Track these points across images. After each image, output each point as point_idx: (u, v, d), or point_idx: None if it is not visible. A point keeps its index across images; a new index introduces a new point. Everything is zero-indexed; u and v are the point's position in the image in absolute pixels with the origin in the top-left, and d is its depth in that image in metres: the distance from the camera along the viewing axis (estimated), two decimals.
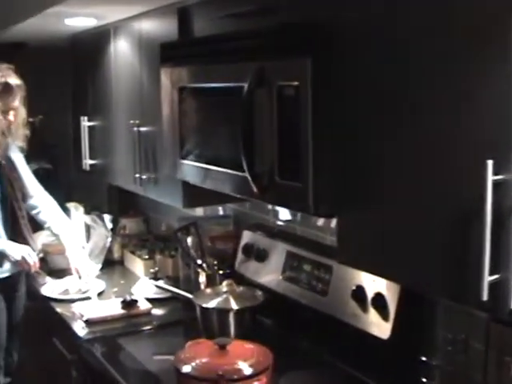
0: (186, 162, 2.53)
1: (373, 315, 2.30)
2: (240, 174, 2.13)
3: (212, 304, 2.67)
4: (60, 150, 4.57)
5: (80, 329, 2.95)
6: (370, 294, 2.30)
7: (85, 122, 3.72)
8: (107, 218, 3.94)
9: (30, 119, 4.47)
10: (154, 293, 3.25)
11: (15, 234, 3.32)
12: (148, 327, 2.96)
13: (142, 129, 3.07)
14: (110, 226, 3.92)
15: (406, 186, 1.62)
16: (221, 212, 3.41)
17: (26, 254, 3.20)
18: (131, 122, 3.14)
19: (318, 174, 1.87)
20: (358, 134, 1.76)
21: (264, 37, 2.02)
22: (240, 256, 3.01)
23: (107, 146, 3.59)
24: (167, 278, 3.44)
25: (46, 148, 4.61)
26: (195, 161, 2.47)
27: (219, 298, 2.70)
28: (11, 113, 3.25)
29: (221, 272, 3.01)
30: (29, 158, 4.38)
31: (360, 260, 1.82)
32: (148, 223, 4.21)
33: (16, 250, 3.19)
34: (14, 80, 3.22)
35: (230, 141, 2.21)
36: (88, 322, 2.98)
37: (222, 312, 2.65)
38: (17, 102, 3.25)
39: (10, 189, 3.32)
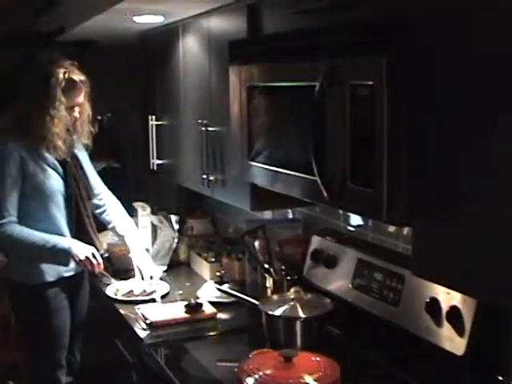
0: (254, 163, 2.44)
1: (447, 330, 2.16)
2: (310, 177, 2.03)
3: (278, 311, 2.57)
4: (128, 149, 4.55)
5: (143, 332, 2.90)
6: (444, 307, 2.16)
7: (152, 121, 3.67)
8: (174, 218, 3.88)
9: (98, 117, 4.48)
10: (219, 297, 3.17)
11: (80, 233, 3.27)
12: (212, 333, 2.87)
13: (210, 129, 3.00)
14: (176, 226, 3.87)
15: (488, 194, 1.49)
16: (290, 215, 3.31)
17: (90, 254, 3.12)
18: (199, 121, 3.06)
19: (392, 179, 1.75)
20: (436, 138, 1.63)
21: (336, 34, 1.91)
22: (308, 262, 2.91)
23: (175, 146, 3.53)
24: (233, 281, 3.36)
25: (114, 146, 4.61)
26: (264, 163, 2.37)
27: (286, 305, 2.60)
28: (76, 109, 3.18)
29: (288, 278, 2.91)
30: (96, 157, 4.37)
31: (436, 273, 1.70)
32: (215, 224, 4.14)
33: (81, 250, 3.11)
34: (78, 75, 3.14)
35: (300, 143, 2.11)
36: (151, 325, 2.92)
37: (289, 320, 2.55)
38: (81, 97, 3.18)
39: (75, 187, 3.26)
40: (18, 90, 3.19)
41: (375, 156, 1.76)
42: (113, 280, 3.51)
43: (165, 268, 3.77)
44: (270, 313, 2.57)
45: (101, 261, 3.16)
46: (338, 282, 2.71)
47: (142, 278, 3.32)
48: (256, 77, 2.39)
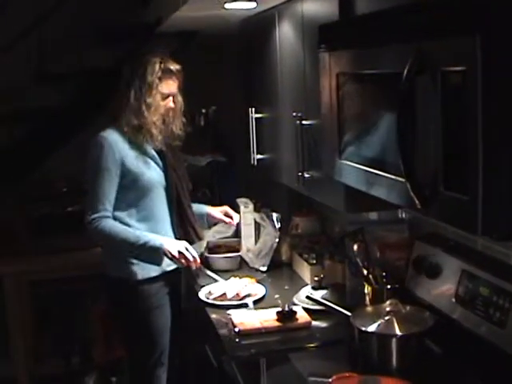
0: (344, 161, 2.19)
1: None
2: (400, 179, 1.76)
3: (372, 327, 2.31)
4: (234, 143, 4.38)
5: (230, 340, 2.70)
6: None
7: (252, 114, 3.47)
8: (275, 216, 3.67)
9: (203, 110, 4.37)
10: (315, 303, 2.92)
11: (182, 224, 3.23)
12: (304, 345, 2.62)
13: (305, 122, 2.76)
14: (278, 225, 3.65)
15: None
16: (398, 215, 3.00)
17: (183, 248, 3.00)
18: (294, 114, 2.83)
19: (490, 184, 1.46)
20: None
21: (424, 12, 1.62)
22: (411, 269, 2.61)
23: (273, 140, 3.31)
24: (334, 286, 3.09)
25: (220, 140, 4.45)
26: (353, 161, 2.12)
27: (381, 319, 2.33)
28: (170, 99, 3.15)
29: (388, 286, 2.63)
30: (202, 150, 4.26)
31: None
32: (322, 223, 3.88)
33: (173, 245, 3.00)
34: (174, 65, 3.12)
35: (388, 139, 1.84)
36: (239, 334, 2.72)
37: (384, 338, 2.28)
38: (176, 87, 3.15)
39: (176, 177, 3.22)
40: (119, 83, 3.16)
41: (468, 156, 1.48)
42: (213, 275, 3.37)
43: (265, 268, 3.57)
44: (363, 328, 2.31)
45: (196, 255, 3.04)
46: (441, 294, 2.40)
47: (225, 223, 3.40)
48: (344, 63, 2.13)
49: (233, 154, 4.43)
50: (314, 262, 3.36)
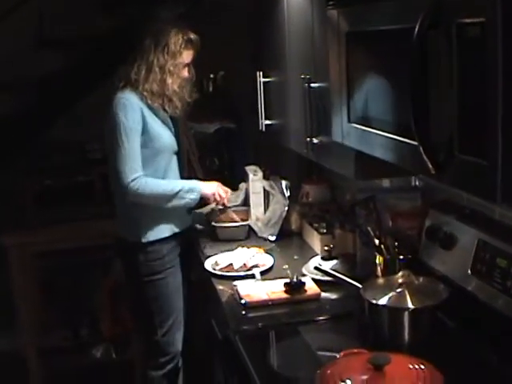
0: (353, 125, 2.06)
1: None
2: (413, 143, 1.64)
3: (383, 300, 2.20)
4: (242, 109, 4.25)
5: (236, 313, 2.60)
6: None
7: (260, 78, 3.33)
8: (284, 184, 3.55)
9: (211, 75, 4.24)
10: (324, 274, 2.81)
11: None
12: (313, 317, 2.52)
13: (313, 85, 2.62)
14: (287, 193, 3.53)
15: None
16: (412, 183, 2.87)
17: (217, 188, 3.28)
18: (302, 76, 2.69)
19: (510, 147, 1.33)
20: None
21: None
22: (424, 239, 2.49)
23: (282, 105, 3.18)
24: (344, 256, 2.97)
25: (228, 106, 4.32)
26: (363, 124, 1.99)
27: (393, 291, 2.22)
28: (187, 68, 3.21)
29: (401, 257, 2.51)
30: (211, 117, 4.15)
31: None
32: (333, 191, 3.75)
33: (208, 185, 3.25)
34: (194, 35, 3.19)
35: (400, 100, 1.72)
36: (246, 306, 2.62)
37: (395, 311, 2.17)
38: (193, 57, 3.22)
39: (187, 143, 3.38)
40: (132, 45, 3.19)
41: (488, 116, 1.35)
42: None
43: (273, 238, 3.46)
44: (373, 301, 2.20)
45: (228, 191, 3.36)
46: (456, 266, 2.28)
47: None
48: (353, 21, 2.00)
49: (241, 121, 4.30)
50: (324, 231, 3.24)
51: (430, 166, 1.57)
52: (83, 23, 4.15)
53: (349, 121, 2.10)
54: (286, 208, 3.48)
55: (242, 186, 3.88)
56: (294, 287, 2.67)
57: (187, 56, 3.17)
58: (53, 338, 4.31)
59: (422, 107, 1.55)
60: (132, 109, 3.05)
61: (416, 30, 1.51)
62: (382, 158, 1.90)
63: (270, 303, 2.63)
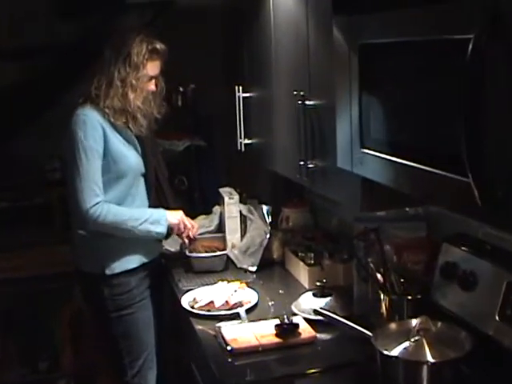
0: (369, 152, 1.78)
1: None
2: (455, 176, 1.36)
3: (397, 350, 1.91)
4: (215, 125, 3.94)
5: (221, 361, 2.29)
6: None
7: (239, 93, 3.03)
8: (265, 208, 3.25)
9: (180, 88, 3.93)
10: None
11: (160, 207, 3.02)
12: (310, 367, 2.21)
13: (309, 102, 2.33)
14: (268, 219, 3.24)
15: None
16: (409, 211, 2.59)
17: (181, 217, 2.98)
18: (295, 93, 2.40)
19: None
20: None
21: None
22: (437, 278, 2.20)
23: (266, 123, 2.89)
24: (337, 291, 2.68)
25: (199, 122, 4.01)
26: (382, 151, 1.71)
27: (408, 341, 1.93)
28: (153, 81, 2.90)
29: (409, 297, 2.23)
30: (179, 133, 3.87)
31: None
32: (315, 215, 3.47)
33: (172, 214, 2.96)
34: (160, 45, 2.88)
35: (441, 125, 1.44)
36: (232, 353, 2.30)
37: (412, 365, 1.88)
38: (159, 68, 2.89)
39: (156, 163, 3.07)
40: (95, 56, 2.90)
41: None
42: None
43: (254, 268, 3.15)
44: (387, 353, 1.91)
45: (193, 222, 3.05)
46: (479, 310, 1.99)
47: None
48: (371, 30, 1.72)
49: (213, 139, 4.00)
50: (312, 262, 2.95)
51: (482, 204, 1.29)
52: (42, 33, 3.82)
53: (362, 146, 1.81)
54: (268, 235, 3.17)
55: (216, 209, 3.58)
56: (287, 330, 2.37)
57: (152, 68, 2.85)
58: (9, 373, 3.99)
59: (477, 134, 1.27)
60: (92, 127, 2.76)
61: (471, 42, 1.23)
62: (412, 194, 1.61)
63: (260, 349, 2.32)
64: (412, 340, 1.93)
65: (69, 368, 3.92)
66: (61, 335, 3.91)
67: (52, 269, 3.72)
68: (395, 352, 1.91)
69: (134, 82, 2.80)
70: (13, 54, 3.77)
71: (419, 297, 2.22)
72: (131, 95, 2.80)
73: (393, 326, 2.07)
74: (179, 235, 3.03)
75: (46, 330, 3.98)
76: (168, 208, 3.02)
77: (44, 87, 3.83)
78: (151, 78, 2.87)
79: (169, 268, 3.21)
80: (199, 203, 3.94)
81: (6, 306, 3.96)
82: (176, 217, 2.96)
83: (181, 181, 4.05)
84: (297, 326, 2.39)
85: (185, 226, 2.97)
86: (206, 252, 3.20)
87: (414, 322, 2.00)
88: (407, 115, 1.60)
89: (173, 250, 3.34)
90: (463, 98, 1.27)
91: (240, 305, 2.67)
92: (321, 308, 2.42)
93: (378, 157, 1.73)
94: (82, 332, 3.68)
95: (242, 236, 3.42)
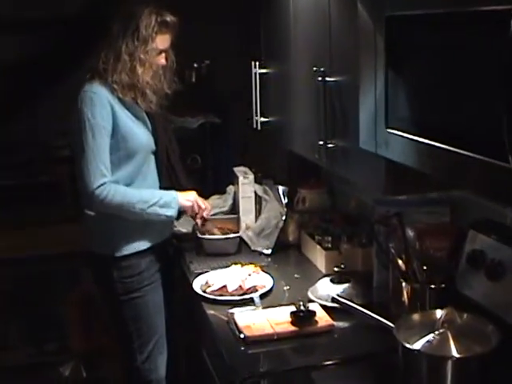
0: (395, 132, 1.66)
1: None
2: (493, 161, 1.24)
3: (420, 343, 1.80)
4: (230, 103, 3.82)
5: (233, 349, 2.19)
6: None
7: (256, 69, 2.91)
8: (281, 189, 3.14)
9: (195, 64, 3.81)
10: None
11: (172, 187, 2.91)
12: (327, 358, 2.10)
13: (329, 79, 2.21)
14: (284, 199, 3.12)
15: None
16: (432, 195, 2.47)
17: (195, 197, 2.86)
18: (314, 69, 2.28)
19: None
20: None
21: None
22: (463, 266, 2.08)
23: (283, 101, 2.77)
24: (356, 277, 2.56)
25: (214, 99, 3.89)
26: (409, 131, 1.59)
27: (431, 334, 1.81)
28: (163, 55, 2.77)
29: (432, 286, 2.12)
30: (194, 110, 3.76)
31: None
32: (333, 196, 3.35)
33: (185, 195, 2.84)
34: (170, 17, 2.75)
35: (477, 105, 1.32)
36: (245, 341, 2.20)
37: (436, 360, 1.77)
38: (169, 42, 2.77)
39: (167, 140, 2.95)
40: (103, 30, 2.78)
41: None
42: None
43: (269, 251, 3.05)
44: (409, 346, 1.80)
45: (207, 204, 2.92)
46: (507, 301, 1.88)
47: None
48: (400, 0, 1.59)
49: (228, 116, 3.88)
50: (329, 245, 2.84)
51: None
52: (49, 5, 3.70)
53: (387, 126, 1.69)
54: (284, 217, 3.06)
55: (230, 189, 3.47)
56: (303, 318, 2.27)
57: (161, 41, 2.74)
58: (15, 354, 3.95)
59: None
60: (100, 103, 2.66)
61: None
62: (440, 178, 1.50)
63: (275, 337, 2.22)
64: (436, 333, 1.82)
65: (77, 350, 3.84)
66: (69, 316, 3.83)
67: (62, 248, 3.64)
68: (418, 345, 1.80)
69: (142, 56, 2.68)
70: (17, 26, 3.66)
71: (443, 286, 2.11)
72: (140, 70, 2.69)
73: (416, 316, 1.95)
74: (193, 217, 2.93)
75: (53, 310, 3.90)
76: (180, 188, 2.92)
77: (52, 61, 3.72)
78: (161, 51, 2.76)
79: (180, 250, 3.11)
80: (213, 183, 3.84)
81: (14, 285, 3.90)
82: (189, 198, 2.85)
83: (194, 159, 3.95)
84: (313, 313, 2.29)
85: (199, 207, 2.87)
86: (220, 233, 3.09)
87: (439, 313, 1.88)
88: (438, 93, 1.48)
89: (185, 230, 3.24)
90: (506, 74, 1.14)
91: (254, 290, 2.57)
92: (338, 295, 2.30)
93: (405, 137, 1.61)
94: (92, 314, 3.59)
95: (257, 217, 3.31)
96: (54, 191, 3.72)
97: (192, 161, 3.93)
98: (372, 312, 2.11)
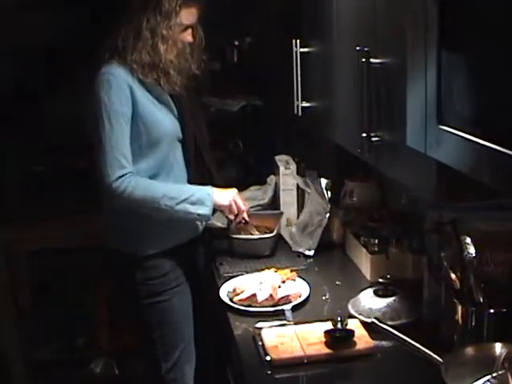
0: (448, 129, 1.33)
1: None
2: None
3: None
4: (273, 84, 3.52)
5: (258, 372, 1.91)
6: None
7: (297, 48, 2.60)
8: (324, 182, 2.82)
9: (236, 42, 3.55)
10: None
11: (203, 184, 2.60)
12: None
13: (374, 60, 1.88)
14: (327, 194, 2.80)
15: None
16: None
17: (234, 197, 2.57)
18: (357, 48, 1.96)
19: None
20: None
21: None
22: None
23: (325, 84, 2.45)
24: (404, 289, 2.23)
25: (256, 79, 3.61)
26: (467, 130, 1.26)
27: (488, 375, 1.50)
28: (190, 31, 2.53)
29: (492, 310, 1.78)
30: (234, 92, 3.49)
31: None
32: (383, 191, 3.01)
33: (223, 194, 2.56)
34: None
35: None
36: (272, 364, 1.91)
37: None
38: (196, 16, 2.50)
39: (196, 126, 2.68)
40: (123, 3, 2.53)
41: None
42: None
43: (311, 253, 2.74)
44: None
45: (246, 205, 2.65)
46: None
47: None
48: None
49: (270, 99, 3.58)
50: (376, 249, 2.52)
51: None
52: None
53: (439, 122, 1.36)
54: (328, 214, 2.74)
55: (271, 179, 3.19)
56: (339, 339, 1.96)
57: (186, 16, 2.49)
58: (44, 350, 3.76)
59: None
60: (117, 86, 2.42)
61: None
62: (503, 189, 1.17)
63: (305, 361, 1.92)
64: (494, 375, 1.50)
65: (106, 347, 3.64)
66: (97, 312, 3.64)
67: (92, 241, 3.41)
68: None
69: (164, 32, 2.44)
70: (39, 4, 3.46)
71: (504, 310, 1.77)
72: (162, 48, 2.44)
73: (469, 351, 1.64)
74: (229, 219, 2.68)
75: (83, 306, 3.71)
76: (212, 180, 2.66)
77: (82, 42, 3.49)
78: (186, 27, 2.51)
79: (212, 248, 2.83)
80: (254, 171, 3.56)
81: (40, 279, 3.72)
82: (227, 197, 2.57)
83: (236, 145, 3.66)
84: (352, 333, 1.98)
85: (238, 207, 2.59)
86: (256, 232, 2.79)
87: (499, 347, 1.56)
88: (504, 83, 1.15)
89: (220, 224, 2.93)
90: None
91: (287, 300, 2.27)
92: (380, 316, 1.99)
93: (461, 137, 1.28)
94: (120, 312, 3.36)
95: (298, 212, 3.01)
96: (90, 179, 3.53)
97: (234, 146, 3.65)
98: (421, 332, 1.82)
